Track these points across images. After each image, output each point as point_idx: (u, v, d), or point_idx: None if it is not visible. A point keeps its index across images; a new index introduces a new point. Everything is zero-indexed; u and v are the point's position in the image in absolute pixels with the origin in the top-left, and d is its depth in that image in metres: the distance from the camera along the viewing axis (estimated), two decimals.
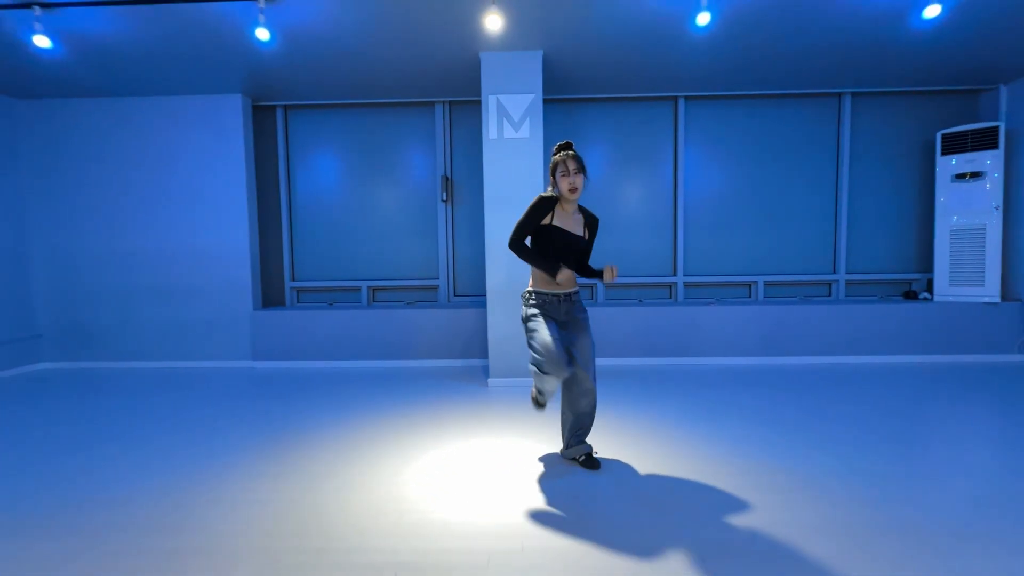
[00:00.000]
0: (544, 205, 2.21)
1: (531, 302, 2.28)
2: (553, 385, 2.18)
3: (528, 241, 2.31)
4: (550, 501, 2.05)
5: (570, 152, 2.21)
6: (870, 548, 1.68)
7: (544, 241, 2.25)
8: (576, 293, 2.33)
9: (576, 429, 2.37)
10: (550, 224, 2.23)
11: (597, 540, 1.76)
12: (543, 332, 2.14)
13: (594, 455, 2.40)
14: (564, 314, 2.28)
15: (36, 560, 1.70)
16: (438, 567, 1.63)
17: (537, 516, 1.94)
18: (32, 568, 1.66)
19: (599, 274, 2.31)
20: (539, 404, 2.36)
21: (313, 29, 3.42)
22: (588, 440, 2.49)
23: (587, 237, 2.33)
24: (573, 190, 2.18)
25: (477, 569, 1.62)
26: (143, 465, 2.47)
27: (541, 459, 2.49)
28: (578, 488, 2.17)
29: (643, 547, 1.72)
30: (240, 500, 2.10)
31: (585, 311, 2.34)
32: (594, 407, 2.33)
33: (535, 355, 2.15)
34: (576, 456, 2.40)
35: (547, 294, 2.26)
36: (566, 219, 2.26)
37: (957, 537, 1.74)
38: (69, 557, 1.71)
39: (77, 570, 1.64)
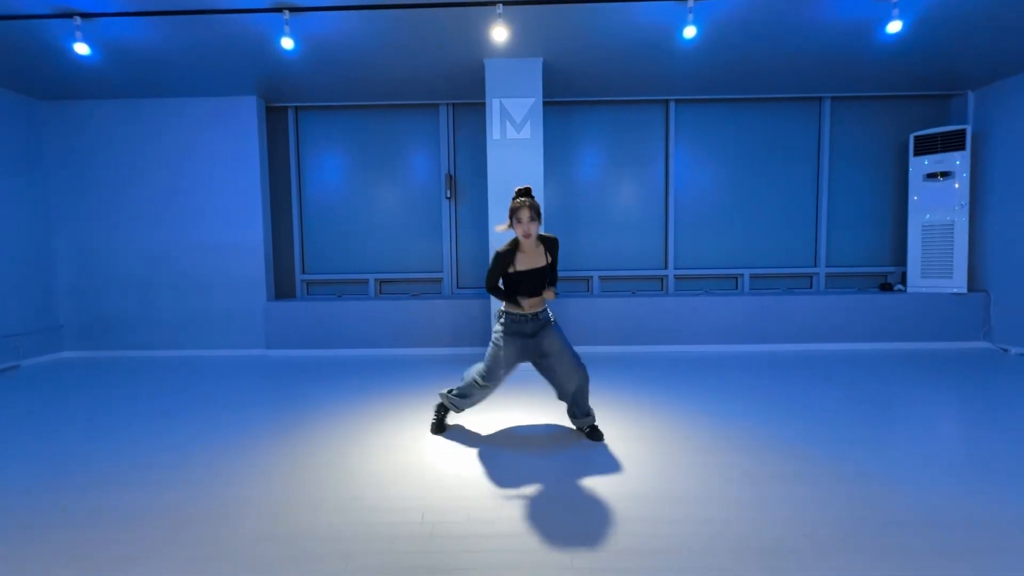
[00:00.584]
0: (502, 260, 2.49)
1: (502, 322, 2.60)
2: (477, 398, 2.65)
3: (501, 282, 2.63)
4: (555, 462, 2.34)
5: (527, 201, 2.42)
6: (832, 495, 1.98)
7: (514, 284, 2.53)
8: (543, 311, 2.59)
9: (574, 405, 2.64)
10: (514, 272, 2.50)
11: (596, 491, 2.05)
12: (501, 357, 2.54)
13: (597, 427, 2.66)
14: (532, 330, 2.57)
15: (118, 509, 1.97)
16: (458, 509, 1.91)
17: (544, 473, 2.22)
18: (116, 514, 1.92)
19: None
20: (440, 421, 2.75)
21: (328, 37, 3.67)
22: (593, 415, 2.70)
23: (549, 260, 2.54)
24: (527, 236, 2.44)
25: (492, 511, 1.89)
26: (184, 436, 2.73)
27: (544, 429, 2.77)
28: (579, 452, 2.45)
29: (632, 496, 2.01)
30: (275, 463, 2.37)
31: (551, 319, 2.61)
32: (582, 386, 2.58)
33: (482, 368, 2.58)
34: (582, 427, 2.68)
35: (517, 315, 2.57)
36: (527, 257, 2.51)
37: (911, 484, 2.04)
38: (142, 508, 1.98)
39: (151, 517, 1.91)
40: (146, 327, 4.97)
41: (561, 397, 2.68)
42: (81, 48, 3.31)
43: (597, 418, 2.77)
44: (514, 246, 2.52)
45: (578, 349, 4.73)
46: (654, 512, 1.86)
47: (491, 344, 2.62)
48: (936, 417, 2.88)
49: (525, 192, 2.49)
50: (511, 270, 2.52)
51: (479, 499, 1.98)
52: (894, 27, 3.23)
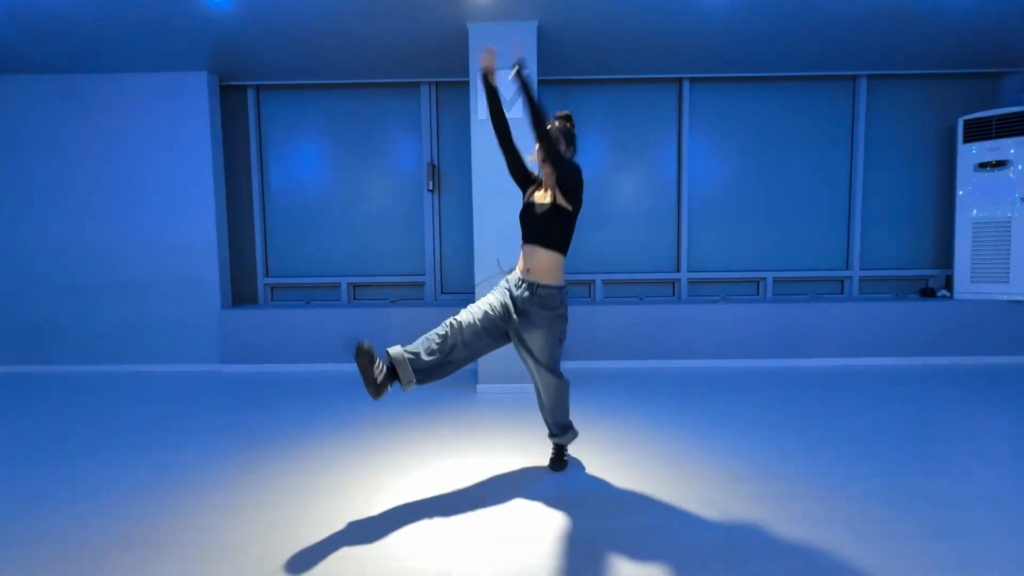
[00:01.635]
0: (528, 176, 2.19)
1: (502, 273, 2.21)
2: (437, 358, 1.94)
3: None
4: (550, 537, 1.71)
5: (556, 123, 2.10)
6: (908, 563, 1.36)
7: (523, 217, 2.12)
8: (544, 288, 2.01)
9: (549, 421, 2.24)
10: (528, 200, 2.13)
11: None
12: (468, 314, 2.02)
13: (564, 456, 2.28)
14: (520, 302, 2.04)
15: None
16: None
17: (539, 560, 1.59)
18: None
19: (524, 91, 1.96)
20: (381, 381, 1.87)
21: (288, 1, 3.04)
22: (569, 435, 2.29)
23: (555, 202, 2.03)
24: (543, 162, 2.05)
25: None
26: (97, 481, 2.10)
27: (538, 481, 2.15)
28: (582, 519, 1.82)
29: None
30: (171, 541, 1.73)
31: (549, 310, 2.02)
32: (558, 401, 2.15)
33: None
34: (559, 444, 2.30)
35: (511, 272, 2.15)
36: (539, 192, 2.12)
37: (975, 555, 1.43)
38: None
39: None
40: (81, 338, 4.32)
41: (540, 406, 2.25)
42: None
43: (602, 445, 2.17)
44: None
45: (577, 364, 4.14)
46: None
47: None
48: (994, 451, 2.30)
49: (565, 116, 2.13)
50: (525, 197, 2.16)
51: None
52: None
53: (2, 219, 4.28)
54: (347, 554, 1.64)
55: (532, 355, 2.07)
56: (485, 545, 1.69)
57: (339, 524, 1.83)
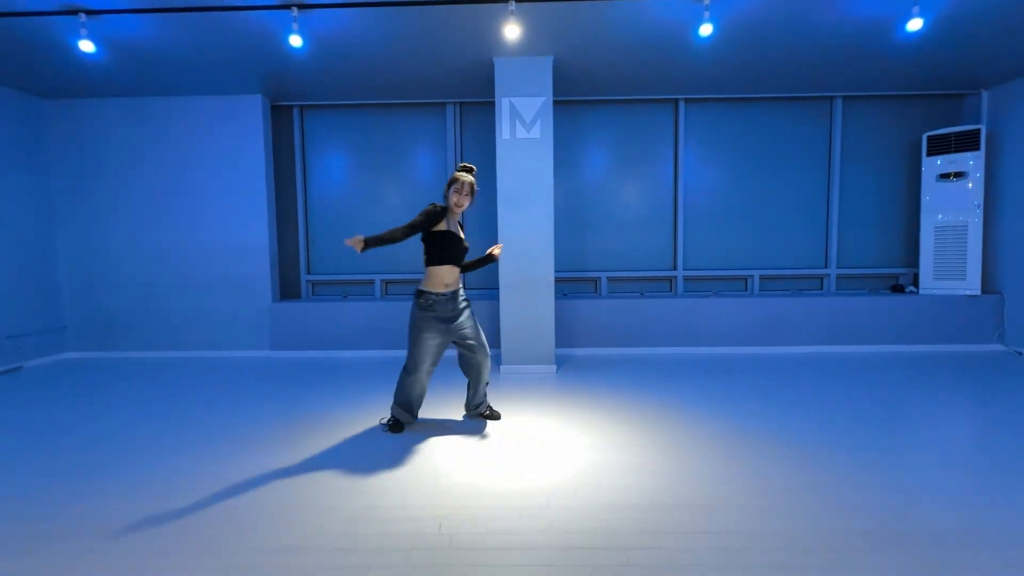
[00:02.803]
0: (439, 214, 2.60)
1: (423, 304, 2.63)
2: (413, 395, 2.73)
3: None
4: (570, 471, 2.28)
5: (471, 178, 2.65)
6: (851, 505, 1.93)
7: (440, 244, 2.62)
8: (460, 290, 2.74)
9: (479, 391, 2.89)
10: (446, 230, 2.63)
11: (613, 501, 2.00)
12: (423, 341, 2.62)
13: (494, 408, 3.00)
14: (450, 311, 2.68)
15: (116, 519, 1.92)
16: (476, 518, 1.86)
17: (558, 483, 2.17)
18: (113, 524, 1.87)
19: (487, 258, 2.89)
20: (398, 426, 2.78)
21: (336, 35, 3.61)
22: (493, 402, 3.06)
23: (466, 246, 2.78)
24: (459, 206, 2.63)
25: (508, 522, 1.84)
26: (186, 441, 2.68)
27: (555, 433, 2.72)
28: (596, 460, 2.40)
29: (648, 507, 1.96)
30: (284, 469, 2.31)
31: (467, 300, 2.79)
32: (488, 371, 2.83)
33: (406, 359, 2.67)
34: (482, 412, 2.95)
35: (437, 294, 2.64)
36: (454, 226, 2.71)
37: (933, 493, 1.99)
38: (143, 518, 1.93)
39: (152, 527, 1.86)
40: (150, 328, 4.92)
41: (472, 384, 2.87)
42: (86, 46, 3.26)
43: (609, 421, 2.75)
44: (444, 210, 2.64)
45: (585, 351, 4.71)
46: (669, 524, 1.81)
47: (410, 328, 2.66)
48: (953, 422, 2.83)
49: (470, 170, 2.69)
50: (445, 228, 2.62)
51: (495, 509, 1.93)
52: (914, 25, 3.17)
53: (82, 224, 4.89)
54: (421, 474, 2.22)
55: (476, 340, 2.73)
56: (504, 468, 2.26)
57: (408, 457, 2.41)
